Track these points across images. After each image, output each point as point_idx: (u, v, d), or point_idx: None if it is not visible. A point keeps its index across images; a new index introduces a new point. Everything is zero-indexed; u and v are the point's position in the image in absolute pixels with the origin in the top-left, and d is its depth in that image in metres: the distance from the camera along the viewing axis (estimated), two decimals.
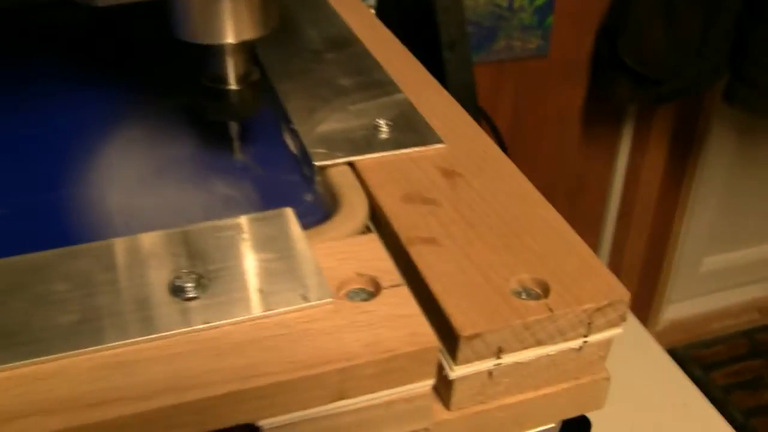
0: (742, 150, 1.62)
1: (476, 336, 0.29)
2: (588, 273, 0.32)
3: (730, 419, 1.57)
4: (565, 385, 0.32)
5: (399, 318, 0.30)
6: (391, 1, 0.65)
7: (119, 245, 0.33)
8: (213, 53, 0.39)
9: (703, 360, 1.69)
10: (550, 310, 0.30)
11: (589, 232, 1.70)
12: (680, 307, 1.78)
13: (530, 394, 0.32)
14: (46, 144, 0.45)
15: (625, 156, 1.61)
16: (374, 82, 0.47)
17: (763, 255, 1.80)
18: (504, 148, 0.90)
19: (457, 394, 0.31)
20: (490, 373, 0.30)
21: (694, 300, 1.78)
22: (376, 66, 0.49)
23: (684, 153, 1.61)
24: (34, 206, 0.39)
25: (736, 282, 1.82)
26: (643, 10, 1.30)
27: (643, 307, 1.76)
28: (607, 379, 0.33)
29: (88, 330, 0.29)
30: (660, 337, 1.73)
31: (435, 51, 0.56)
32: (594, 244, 1.72)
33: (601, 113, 1.52)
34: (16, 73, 0.52)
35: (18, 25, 0.58)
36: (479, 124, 0.62)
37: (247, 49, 0.39)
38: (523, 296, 0.31)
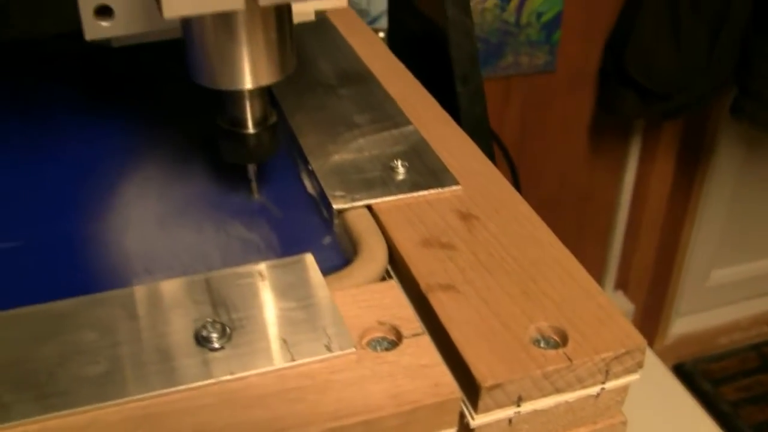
0: (749, 163, 1.62)
1: (497, 386, 0.29)
2: (605, 321, 0.32)
3: None
4: (582, 430, 0.33)
5: (421, 368, 0.30)
6: (401, 34, 0.66)
7: (143, 292, 0.34)
8: (231, 97, 0.39)
9: (713, 374, 1.68)
10: (569, 359, 0.30)
11: (597, 245, 1.70)
12: (689, 321, 1.78)
13: None
14: (61, 181, 0.45)
15: (633, 168, 1.61)
16: (389, 118, 0.47)
17: None
18: (513, 170, 0.90)
19: None
20: (509, 420, 0.31)
21: (702, 313, 1.78)
22: (390, 102, 0.49)
23: (692, 165, 1.61)
24: (51, 243, 0.40)
25: (745, 295, 1.81)
26: (649, 25, 1.31)
27: (652, 321, 1.76)
28: (624, 422, 0.33)
29: (116, 381, 0.30)
30: (669, 351, 1.74)
31: (447, 84, 0.57)
32: (602, 257, 1.72)
33: (609, 126, 1.53)
34: (30, 107, 0.52)
35: (30, 56, 0.58)
36: (492, 154, 0.63)
37: (265, 93, 0.40)
38: (542, 345, 0.31)
